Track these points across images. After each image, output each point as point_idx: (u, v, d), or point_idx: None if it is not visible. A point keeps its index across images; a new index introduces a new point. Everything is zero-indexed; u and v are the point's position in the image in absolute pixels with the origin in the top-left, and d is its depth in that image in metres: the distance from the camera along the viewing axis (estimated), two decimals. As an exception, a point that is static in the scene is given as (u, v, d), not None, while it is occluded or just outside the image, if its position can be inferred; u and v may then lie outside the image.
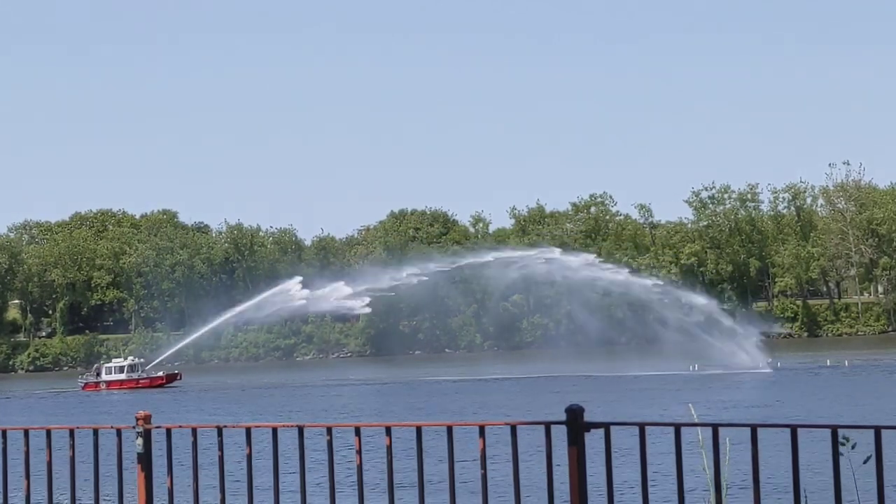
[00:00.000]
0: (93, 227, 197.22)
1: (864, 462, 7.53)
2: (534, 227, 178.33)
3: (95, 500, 9.29)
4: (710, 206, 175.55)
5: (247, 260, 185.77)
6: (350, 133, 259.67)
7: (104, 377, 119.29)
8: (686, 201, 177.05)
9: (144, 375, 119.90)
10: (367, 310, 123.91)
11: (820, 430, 7.05)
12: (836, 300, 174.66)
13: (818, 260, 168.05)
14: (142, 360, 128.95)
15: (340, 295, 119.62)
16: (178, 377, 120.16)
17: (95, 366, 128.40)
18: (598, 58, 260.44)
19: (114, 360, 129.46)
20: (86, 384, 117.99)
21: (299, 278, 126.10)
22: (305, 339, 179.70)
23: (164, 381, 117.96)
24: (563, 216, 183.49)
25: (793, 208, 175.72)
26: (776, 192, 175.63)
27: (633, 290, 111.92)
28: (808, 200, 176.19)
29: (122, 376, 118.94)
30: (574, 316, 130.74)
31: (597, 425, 7.44)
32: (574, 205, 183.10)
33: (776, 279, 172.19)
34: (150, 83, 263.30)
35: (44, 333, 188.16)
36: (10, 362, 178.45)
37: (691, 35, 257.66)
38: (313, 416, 65.62)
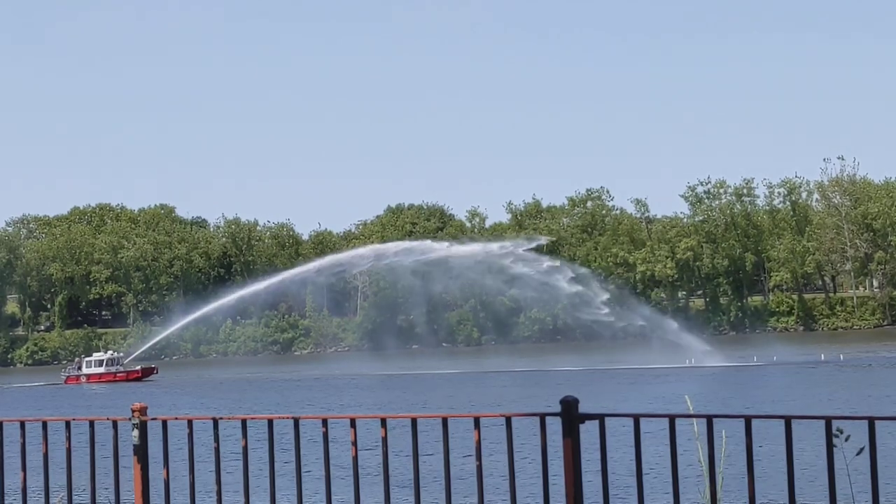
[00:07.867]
0: (91, 221, 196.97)
1: (858, 454, 7.55)
2: (530, 221, 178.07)
3: (92, 491, 9.29)
4: (706, 200, 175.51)
5: (244, 254, 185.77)
6: (347, 128, 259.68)
7: (84, 371, 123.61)
8: (682, 196, 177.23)
9: (122, 369, 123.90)
10: None
11: (814, 421, 7.06)
12: (831, 294, 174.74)
13: (813, 254, 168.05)
14: (121, 354, 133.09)
15: None
16: (155, 371, 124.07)
17: (77, 360, 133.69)
18: (595, 53, 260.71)
19: (94, 355, 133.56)
20: (68, 377, 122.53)
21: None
22: (303, 332, 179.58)
23: (140, 374, 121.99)
24: (559, 211, 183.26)
25: (788, 203, 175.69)
26: (772, 187, 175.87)
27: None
28: (804, 195, 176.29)
29: (101, 370, 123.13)
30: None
31: (591, 416, 7.45)
32: (571, 199, 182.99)
33: (772, 273, 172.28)
34: (149, 78, 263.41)
35: (42, 327, 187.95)
36: (9, 356, 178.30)
37: (687, 31, 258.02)
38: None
